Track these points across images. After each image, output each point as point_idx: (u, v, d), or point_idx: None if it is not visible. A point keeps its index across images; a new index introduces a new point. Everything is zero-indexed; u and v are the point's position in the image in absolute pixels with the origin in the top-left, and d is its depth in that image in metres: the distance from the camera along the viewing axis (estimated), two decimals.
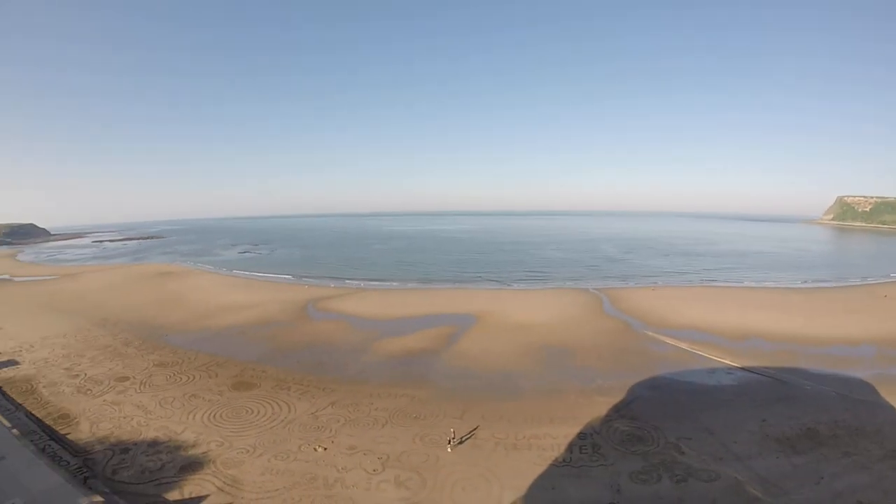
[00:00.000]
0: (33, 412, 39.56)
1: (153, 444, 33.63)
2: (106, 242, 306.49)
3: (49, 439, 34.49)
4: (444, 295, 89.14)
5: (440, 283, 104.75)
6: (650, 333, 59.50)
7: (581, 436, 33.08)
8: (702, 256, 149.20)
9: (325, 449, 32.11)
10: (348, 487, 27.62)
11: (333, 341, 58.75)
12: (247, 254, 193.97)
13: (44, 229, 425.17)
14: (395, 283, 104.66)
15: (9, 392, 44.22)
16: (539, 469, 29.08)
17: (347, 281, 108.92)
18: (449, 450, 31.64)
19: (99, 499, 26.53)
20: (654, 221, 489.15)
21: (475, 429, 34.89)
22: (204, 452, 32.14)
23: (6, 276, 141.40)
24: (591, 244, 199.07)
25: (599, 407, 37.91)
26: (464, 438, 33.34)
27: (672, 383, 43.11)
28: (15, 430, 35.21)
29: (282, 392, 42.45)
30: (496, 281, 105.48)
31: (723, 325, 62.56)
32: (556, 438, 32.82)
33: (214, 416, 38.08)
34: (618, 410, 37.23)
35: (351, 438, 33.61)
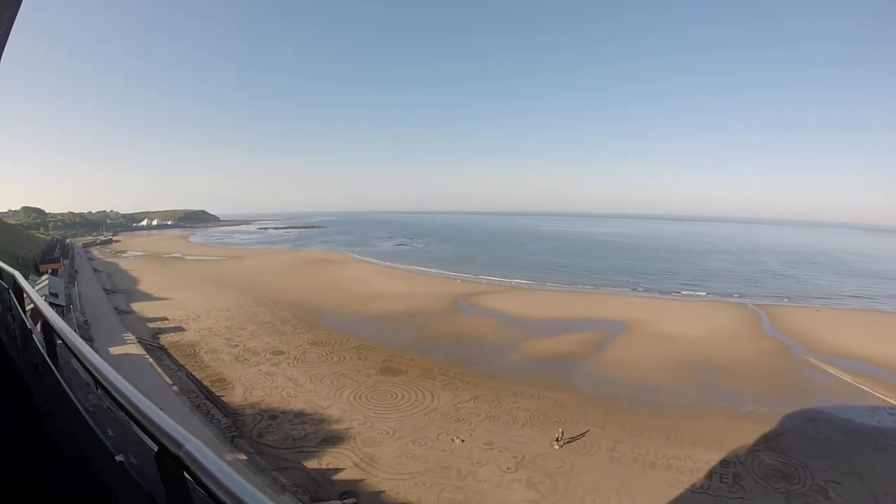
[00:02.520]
0: (193, 373, 47.05)
1: (299, 414, 38.16)
2: (270, 230, 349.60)
3: (204, 398, 40.51)
4: (595, 299, 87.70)
5: (592, 286, 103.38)
6: (810, 360, 53.81)
7: (723, 463, 31.86)
8: (875, 278, 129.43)
9: (463, 441, 34.03)
10: (479, 482, 29.27)
11: (482, 336, 60.97)
12: (402, 246, 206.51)
13: (214, 215, 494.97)
14: (546, 284, 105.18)
15: (174, 354, 53.00)
16: (674, 492, 28.59)
17: (499, 278, 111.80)
18: (556, 447, 33.26)
19: (243, 457, 30.33)
20: (821, 233, 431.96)
21: (585, 432, 35.59)
22: (346, 429, 35.80)
23: (179, 255, 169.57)
24: (753, 255, 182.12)
25: (746, 434, 35.84)
26: (573, 439, 34.28)
27: (828, 418, 39.09)
28: (175, 388, 41.57)
29: (427, 381, 45.35)
30: (650, 289, 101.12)
31: (894, 359, 54.48)
32: (696, 462, 31.88)
33: (360, 396, 41.87)
34: (766, 441, 35.06)
35: (489, 434, 35.26)
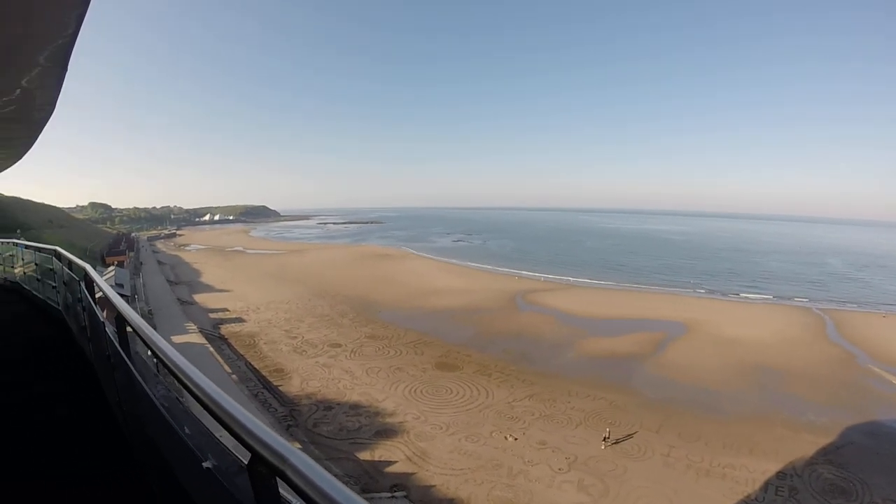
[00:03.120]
0: (252, 363, 49.10)
1: (354, 406, 39.41)
2: (329, 225, 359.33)
3: (262, 388, 42.07)
4: (654, 299, 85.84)
5: (651, 286, 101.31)
6: (875, 369, 51.08)
7: (780, 475, 30.98)
8: None
9: (516, 439, 34.33)
10: (531, 481, 29.54)
11: (539, 334, 60.97)
12: (460, 242, 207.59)
13: (274, 211, 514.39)
14: (604, 282, 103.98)
15: (234, 344, 55.41)
16: (728, 503, 27.96)
17: (557, 276, 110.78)
18: (602, 447, 33.38)
19: (297, 445, 30.87)
20: (891, 234, 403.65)
21: (634, 433, 35.44)
22: (400, 422, 36.73)
23: (240, 248, 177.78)
24: (817, 256, 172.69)
25: (805, 446, 34.62)
26: (620, 439, 34.23)
27: (891, 432, 37.62)
28: (234, 376, 43.48)
29: (482, 378, 45.75)
30: (711, 290, 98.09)
31: None
32: (752, 472, 31.14)
33: (415, 390, 42.77)
34: (825, 453, 33.84)
35: (543, 433, 35.42)
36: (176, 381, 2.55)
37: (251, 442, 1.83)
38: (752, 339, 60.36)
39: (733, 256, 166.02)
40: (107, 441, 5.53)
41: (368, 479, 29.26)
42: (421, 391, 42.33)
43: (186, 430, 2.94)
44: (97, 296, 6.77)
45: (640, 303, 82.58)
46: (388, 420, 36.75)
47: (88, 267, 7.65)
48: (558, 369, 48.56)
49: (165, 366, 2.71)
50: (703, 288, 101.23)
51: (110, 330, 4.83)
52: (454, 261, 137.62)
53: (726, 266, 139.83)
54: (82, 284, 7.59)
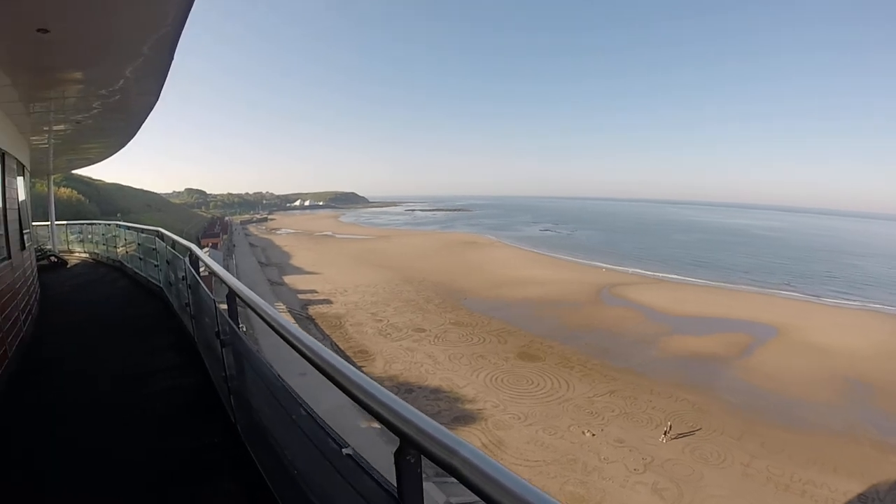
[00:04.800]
0: (338, 344, 51.38)
1: (435, 391, 40.53)
2: (417, 211, 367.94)
3: None
4: (743, 299, 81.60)
5: (740, 284, 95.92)
6: None
7: (861, 497, 29.14)
8: None
9: (594, 435, 34.23)
10: (604, 479, 29.44)
11: (623, 329, 59.91)
12: (547, 232, 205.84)
13: (363, 197, 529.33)
14: (691, 278, 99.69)
15: (321, 324, 58.42)
16: None
17: (644, 270, 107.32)
18: (663, 441, 33.31)
19: (376, 425, 32.11)
20: None
21: (696, 430, 34.98)
22: (479, 409, 37.43)
23: (329, 233, 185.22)
24: None
25: (892, 468, 32.07)
26: (681, 434, 34.22)
27: None
28: None
29: (564, 370, 45.69)
30: (805, 292, 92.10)
31: None
32: (833, 492, 29.38)
33: (496, 379, 43.24)
34: None
35: (621, 431, 35.04)
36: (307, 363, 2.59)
37: (412, 433, 1.82)
38: (846, 349, 56.90)
39: (832, 258, 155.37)
40: (210, 415, 5.88)
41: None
42: (502, 380, 42.79)
43: (303, 412, 2.98)
44: (202, 274, 7.37)
45: (729, 302, 79.34)
46: (468, 406, 37.52)
47: (194, 246, 8.27)
48: (641, 366, 47.67)
49: (294, 346, 2.78)
50: (796, 290, 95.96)
51: (221, 307, 5.02)
52: (541, 251, 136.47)
53: (823, 268, 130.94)
54: (187, 262, 8.11)
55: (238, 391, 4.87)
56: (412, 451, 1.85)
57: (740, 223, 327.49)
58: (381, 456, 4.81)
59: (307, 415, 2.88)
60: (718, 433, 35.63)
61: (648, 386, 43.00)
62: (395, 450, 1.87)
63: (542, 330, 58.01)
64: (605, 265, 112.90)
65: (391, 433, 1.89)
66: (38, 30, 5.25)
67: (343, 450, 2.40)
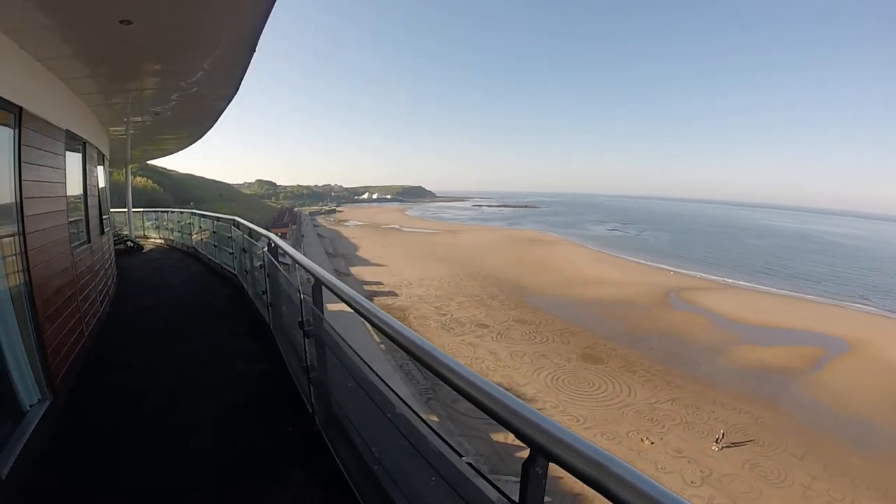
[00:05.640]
0: None
1: None
2: (484, 207, 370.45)
3: (407, 359, 43.47)
4: (817, 310, 77.50)
5: (815, 295, 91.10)
6: None
7: None
8: None
9: (652, 443, 33.85)
10: None
11: (689, 335, 58.29)
12: (615, 231, 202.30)
13: (430, 191, 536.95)
14: (762, 286, 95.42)
15: None
16: None
17: (713, 275, 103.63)
18: (715, 449, 32.82)
19: (434, 418, 33.13)
20: None
21: (749, 441, 34.03)
22: (538, 409, 35.43)
23: (396, 226, 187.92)
24: None
25: None
26: (734, 444, 33.30)
27: None
28: (382, 346, 47.06)
29: (626, 374, 45.18)
30: (883, 308, 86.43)
31: None
32: None
33: (557, 379, 43.22)
34: None
35: (681, 441, 34.35)
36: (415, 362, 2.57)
37: (549, 445, 1.72)
38: None
39: None
40: (285, 403, 5.96)
41: (498, 460, 30.22)
42: (563, 380, 42.73)
43: (389, 413, 2.93)
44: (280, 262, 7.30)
45: (801, 312, 75.95)
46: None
47: (273, 235, 8.13)
48: (706, 375, 46.48)
49: (401, 345, 2.54)
50: (873, 304, 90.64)
51: (305, 297, 4.84)
52: (607, 250, 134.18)
53: None
54: (265, 251, 7.98)
55: (319, 382, 4.82)
56: (542, 461, 1.80)
57: (816, 229, 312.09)
58: None
59: (406, 416, 2.83)
60: (780, 450, 34.43)
61: (712, 396, 41.93)
62: (524, 460, 1.83)
63: (607, 332, 57.42)
64: (672, 268, 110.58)
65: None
66: (122, 21, 5.30)
67: (463, 458, 2.38)
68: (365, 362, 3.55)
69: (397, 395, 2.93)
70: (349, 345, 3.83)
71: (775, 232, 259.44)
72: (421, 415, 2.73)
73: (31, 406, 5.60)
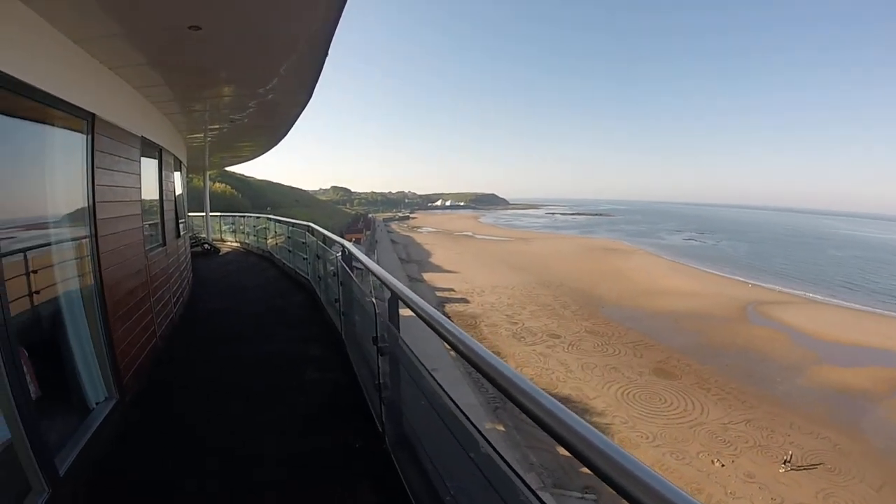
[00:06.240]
0: None
1: (564, 400, 39.89)
2: (557, 215, 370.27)
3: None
4: None
5: None
6: None
7: None
8: None
9: (723, 465, 32.67)
10: None
11: (767, 352, 55.65)
12: (691, 241, 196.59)
13: (503, 199, 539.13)
14: (846, 302, 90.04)
15: (456, 323, 57.11)
16: None
17: (793, 288, 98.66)
18: (781, 471, 31.61)
19: (501, 428, 33.48)
20: None
21: (818, 464, 32.58)
22: (607, 424, 36.97)
23: (469, 233, 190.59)
24: None
25: None
26: (803, 467, 31.92)
27: None
28: (452, 353, 45.65)
29: (700, 391, 43.90)
30: None
31: None
32: None
33: (628, 394, 42.51)
34: None
35: (753, 465, 32.90)
36: (491, 386, 2.19)
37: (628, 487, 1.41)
38: None
39: None
40: (354, 417, 5.81)
41: (563, 473, 29.98)
42: (633, 395, 42.06)
43: (472, 453, 2.71)
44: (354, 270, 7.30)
45: (886, 330, 71.76)
46: (595, 420, 36.88)
47: (347, 243, 8.15)
48: (783, 395, 44.30)
49: (487, 375, 2.24)
50: None
51: (380, 311, 4.76)
52: (683, 260, 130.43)
53: None
54: (339, 258, 7.98)
55: (391, 402, 4.67)
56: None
57: None
58: None
59: (481, 446, 2.60)
60: (857, 480, 32.41)
61: (788, 418, 39.98)
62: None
63: (681, 346, 55.95)
64: (751, 280, 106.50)
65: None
66: (190, 27, 5.21)
67: (539, 493, 2.10)
68: (441, 386, 3.34)
69: (477, 429, 2.66)
70: (425, 366, 3.63)
71: (858, 243, 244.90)
72: (505, 457, 2.39)
73: (96, 403, 5.77)
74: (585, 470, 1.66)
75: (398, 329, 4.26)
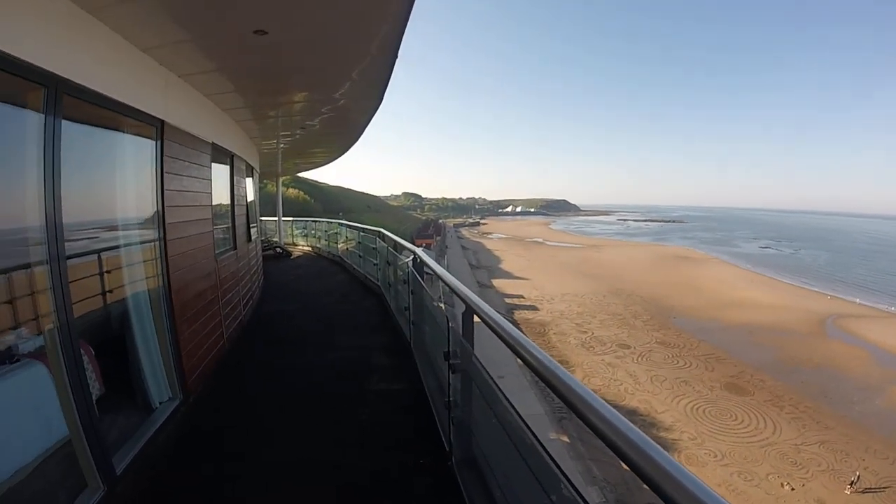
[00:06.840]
0: None
1: (631, 412, 39.71)
2: (629, 221, 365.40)
3: None
4: None
5: None
6: None
7: None
8: None
9: (793, 489, 31.34)
10: None
11: (846, 370, 52.71)
12: (767, 249, 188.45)
13: (574, 205, 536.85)
14: None
15: (525, 330, 59.30)
16: None
17: (875, 301, 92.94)
18: (847, 492, 30.07)
19: (565, 439, 33.86)
20: None
21: (887, 487, 30.58)
22: (674, 440, 36.36)
23: (540, 240, 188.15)
24: None
25: None
26: (871, 489, 30.35)
27: None
28: (519, 361, 46.14)
29: (773, 409, 42.41)
30: None
31: None
32: None
33: (697, 409, 41.61)
34: None
35: (825, 491, 31.32)
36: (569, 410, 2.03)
37: None
38: None
39: None
40: (423, 435, 5.51)
41: (625, 489, 29.59)
42: (703, 411, 41.17)
43: (531, 462, 2.67)
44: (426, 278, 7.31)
45: None
46: (662, 434, 36.53)
47: (419, 250, 7.95)
48: (860, 417, 41.90)
49: (550, 386, 2.22)
50: None
51: (454, 325, 4.46)
52: (759, 270, 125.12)
53: None
54: (410, 266, 7.82)
55: (461, 422, 4.42)
56: None
57: None
58: None
59: (563, 487, 2.35)
60: None
61: (865, 442, 37.81)
62: None
63: (755, 360, 54.12)
64: (830, 292, 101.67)
65: None
66: (256, 31, 5.17)
67: None
68: (518, 414, 3.05)
69: (560, 468, 2.36)
70: (500, 388, 3.50)
71: None
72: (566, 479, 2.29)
73: (160, 403, 5.90)
74: None
75: (472, 345, 4.02)
